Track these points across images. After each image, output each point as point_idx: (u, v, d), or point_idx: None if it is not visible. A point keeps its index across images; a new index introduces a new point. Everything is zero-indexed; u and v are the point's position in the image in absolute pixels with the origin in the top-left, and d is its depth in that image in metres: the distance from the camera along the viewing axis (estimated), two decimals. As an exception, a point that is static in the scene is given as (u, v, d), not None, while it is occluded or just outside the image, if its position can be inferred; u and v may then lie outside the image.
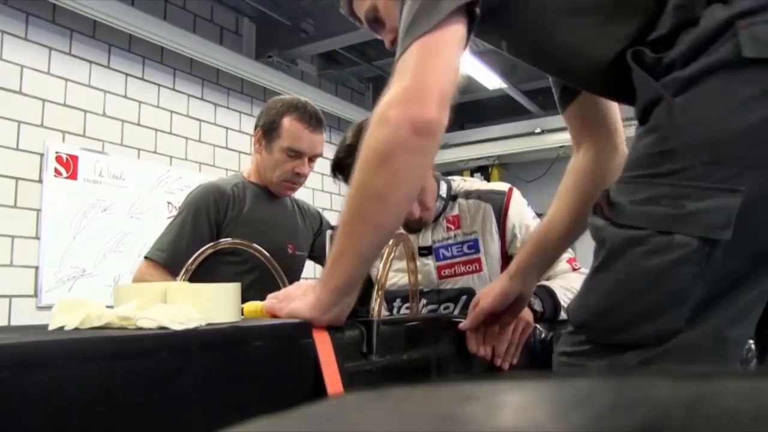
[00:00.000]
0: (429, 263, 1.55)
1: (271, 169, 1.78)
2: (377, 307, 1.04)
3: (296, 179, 1.81)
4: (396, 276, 1.58)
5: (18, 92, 3.00)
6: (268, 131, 1.78)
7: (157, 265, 1.66)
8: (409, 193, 0.84)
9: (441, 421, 0.22)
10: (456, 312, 1.51)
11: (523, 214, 1.58)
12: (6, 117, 2.94)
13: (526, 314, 1.28)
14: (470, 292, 1.49)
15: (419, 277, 1.49)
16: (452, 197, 1.60)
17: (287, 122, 1.76)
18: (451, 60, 0.82)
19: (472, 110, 4.87)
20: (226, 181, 1.85)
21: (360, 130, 1.46)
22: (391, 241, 1.20)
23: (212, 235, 1.68)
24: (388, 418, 0.23)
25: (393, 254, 1.17)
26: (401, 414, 0.24)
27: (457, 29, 0.82)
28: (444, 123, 0.80)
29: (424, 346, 1.19)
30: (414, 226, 1.55)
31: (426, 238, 1.57)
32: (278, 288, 1.33)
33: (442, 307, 1.54)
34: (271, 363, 0.86)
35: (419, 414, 0.24)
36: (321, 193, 4.78)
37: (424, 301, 1.54)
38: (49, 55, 3.14)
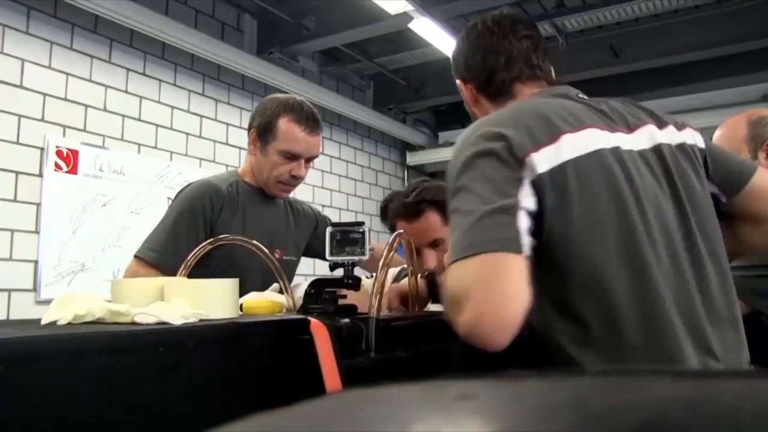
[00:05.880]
0: None
1: (266, 170, 1.74)
2: (376, 304, 1.04)
3: (292, 181, 1.77)
4: None
5: (19, 86, 2.99)
6: (263, 132, 1.73)
7: (149, 266, 1.61)
8: None
9: (438, 418, 0.22)
10: None
11: None
12: (7, 111, 2.93)
13: None
14: None
15: None
16: None
17: (283, 124, 1.71)
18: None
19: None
20: (221, 178, 1.79)
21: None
22: (390, 238, 1.20)
23: (206, 235, 1.62)
24: (387, 415, 0.23)
25: (392, 252, 1.17)
26: (399, 411, 0.24)
27: None
28: None
29: (423, 343, 1.19)
30: None
31: None
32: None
33: None
34: (269, 359, 0.86)
35: (417, 411, 0.23)
36: (321, 189, 4.78)
37: None
38: (50, 49, 3.14)
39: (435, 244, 1.53)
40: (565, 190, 0.93)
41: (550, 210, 0.92)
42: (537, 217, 0.92)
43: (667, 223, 0.99)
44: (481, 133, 0.96)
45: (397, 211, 1.53)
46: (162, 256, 1.60)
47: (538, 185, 0.92)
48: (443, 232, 1.53)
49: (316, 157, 1.80)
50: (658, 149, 1.05)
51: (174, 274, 1.27)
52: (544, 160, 0.93)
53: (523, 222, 0.88)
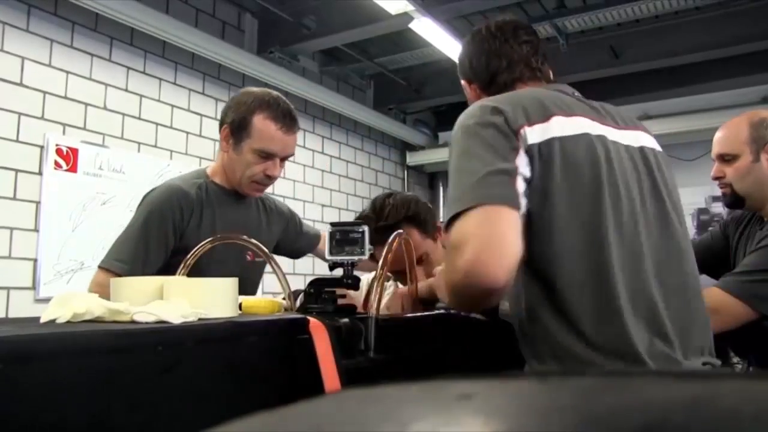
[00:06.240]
0: None
1: (239, 169, 1.64)
2: (376, 304, 1.04)
3: (266, 181, 1.67)
4: None
5: (19, 84, 2.99)
6: (237, 129, 1.62)
7: (117, 277, 1.52)
8: None
9: (438, 418, 0.22)
10: None
11: None
12: (6, 109, 2.93)
13: None
14: None
15: None
16: None
17: (258, 121, 1.60)
18: None
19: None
20: (189, 181, 1.68)
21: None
22: (390, 238, 1.20)
23: (176, 241, 1.55)
24: (386, 415, 0.23)
25: (392, 251, 1.17)
26: (399, 411, 0.24)
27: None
28: None
29: (423, 343, 1.19)
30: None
31: None
32: None
33: None
34: (267, 358, 0.86)
35: (417, 411, 0.23)
36: (321, 189, 4.77)
37: None
38: (50, 47, 3.13)
39: (420, 261, 1.53)
40: (551, 164, 1.00)
41: (535, 180, 0.99)
42: (530, 184, 1.00)
43: (646, 211, 1.07)
44: (482, 106, 1.05)
45: (373, 237, 1.48)
46: (131, 266, 1.50)
47: (530, 154, 0.99)
48: (426, 246, 1.55)
49: (291, 155, 1.72)
50: (642, 150, 1.13)
51: None
52: (535, 133, 1.01)
53: (521, 185, 0.96)
